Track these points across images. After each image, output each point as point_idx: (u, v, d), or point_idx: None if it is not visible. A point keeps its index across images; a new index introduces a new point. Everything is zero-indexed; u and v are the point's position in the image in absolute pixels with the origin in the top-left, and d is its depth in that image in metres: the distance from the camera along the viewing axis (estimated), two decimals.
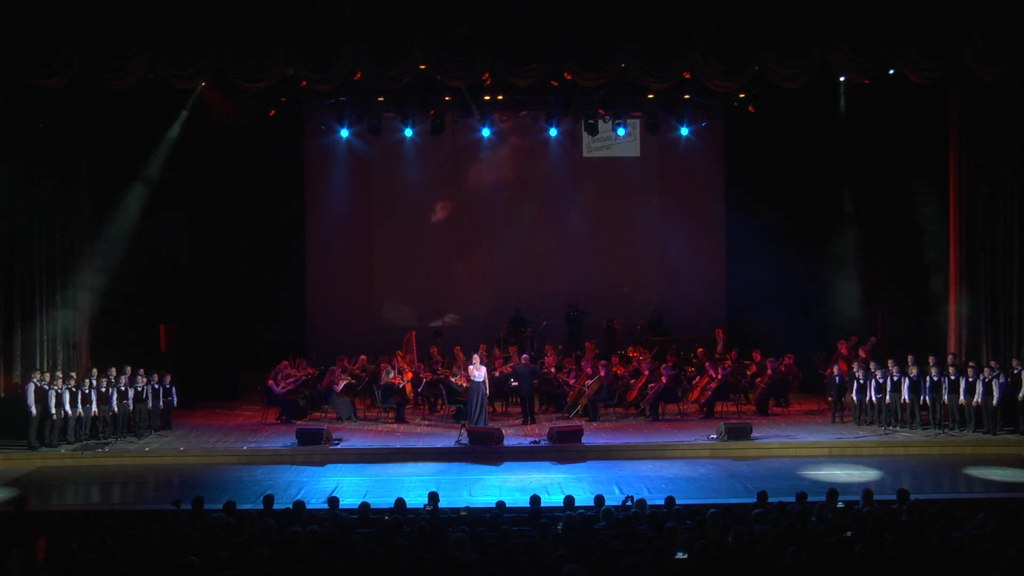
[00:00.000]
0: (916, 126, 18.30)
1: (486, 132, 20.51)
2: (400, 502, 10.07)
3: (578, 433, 15.51)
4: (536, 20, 15.12)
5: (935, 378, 16.14)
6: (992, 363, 16.09)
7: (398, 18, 15.00)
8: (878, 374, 16.54)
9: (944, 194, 17.41)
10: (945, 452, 15.24)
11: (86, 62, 14.88)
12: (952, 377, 16.04)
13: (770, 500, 9.98)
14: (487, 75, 16.44)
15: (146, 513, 10.94)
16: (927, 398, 16.22)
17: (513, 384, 18.04)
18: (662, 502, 10.09)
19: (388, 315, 22.06)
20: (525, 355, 18.07)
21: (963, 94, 16.70)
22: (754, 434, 15.61)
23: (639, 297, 22.33)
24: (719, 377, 17.61)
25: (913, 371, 16.29)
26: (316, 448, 15.23)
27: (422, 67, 15.83)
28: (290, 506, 10.08)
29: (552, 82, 17.69)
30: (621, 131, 20.54)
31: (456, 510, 10.54)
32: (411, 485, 12.91)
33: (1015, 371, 15.88)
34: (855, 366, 17.10)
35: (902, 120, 18.51)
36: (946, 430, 16.06)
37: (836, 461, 14.64)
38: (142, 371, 16.53)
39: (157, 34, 14.78)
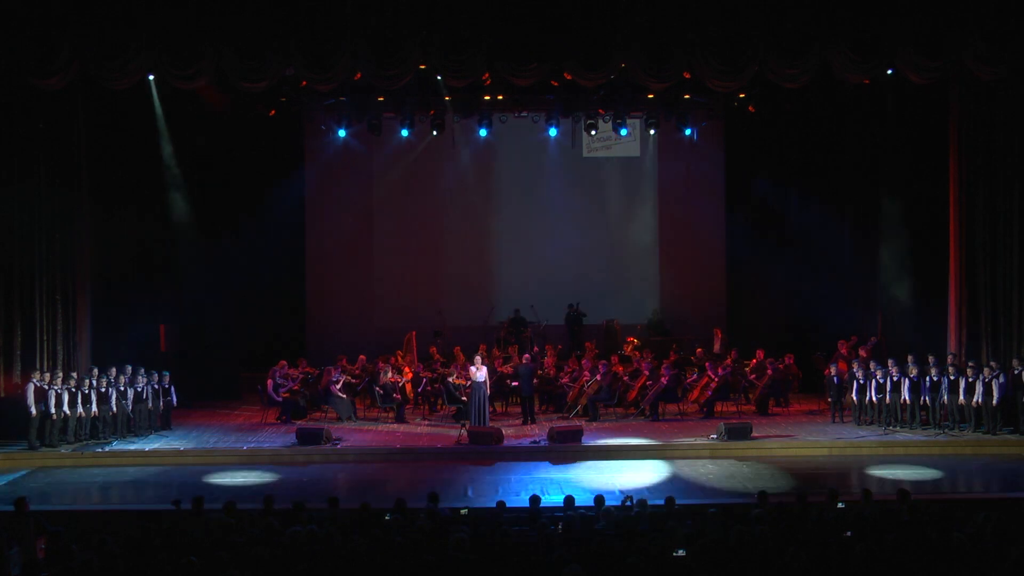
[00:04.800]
0: (916, 126, 18.30)
1: (485, 132, 20.51)
2: (400, 502, 10.07)
3: (578, 433, 15.51)
4: (536, 20, 15.11)
5: (935, 378, 16.14)
6: (992, 363, 16.08)
7: (398, 18, 14.99)
8: (878, 374, 16.54)
9: (944, 194, 17.40)
10: (945, 452, 15.24)
11: (86, 62, 14.88)
12: (952, 377, 16.04)
13: (770, 500, 9.98)
14: (487, 75, 16.42)
15: (146, 513, 10.93)
16: (927, 398, 16.22)
17: (513, 384, 18.06)
18: (662, 502, 10.09)
19: (388, 315, 22.05)
20: (526, 355, 18.08)
21: (963, 94, 16.68)
22: (754, 434, 15.62)
23: (639, 297, 22.32)
24: (719, 377, 17.61)
25: (913, 371, 16.28)
26: (316, 448, 15.24)
27: (422, 67, 15.83)
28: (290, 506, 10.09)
29: (552, 82, 17.68)
30: (626, 131, 20.52)
31: (456, 510, 10.54)
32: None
33: (1015, 371, 15.87)
34: (855, 366, 17.09)
35: (902, 120, 18.51)
36: (946, 430, 16.06)
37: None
38: (142, 371, 16.53)
39: (157, 34, 14.78)
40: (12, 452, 15.26)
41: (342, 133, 20.64)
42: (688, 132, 21.16)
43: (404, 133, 20.37)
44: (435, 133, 20.46)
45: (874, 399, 16.51)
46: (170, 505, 10.53)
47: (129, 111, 17.82)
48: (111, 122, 17.60)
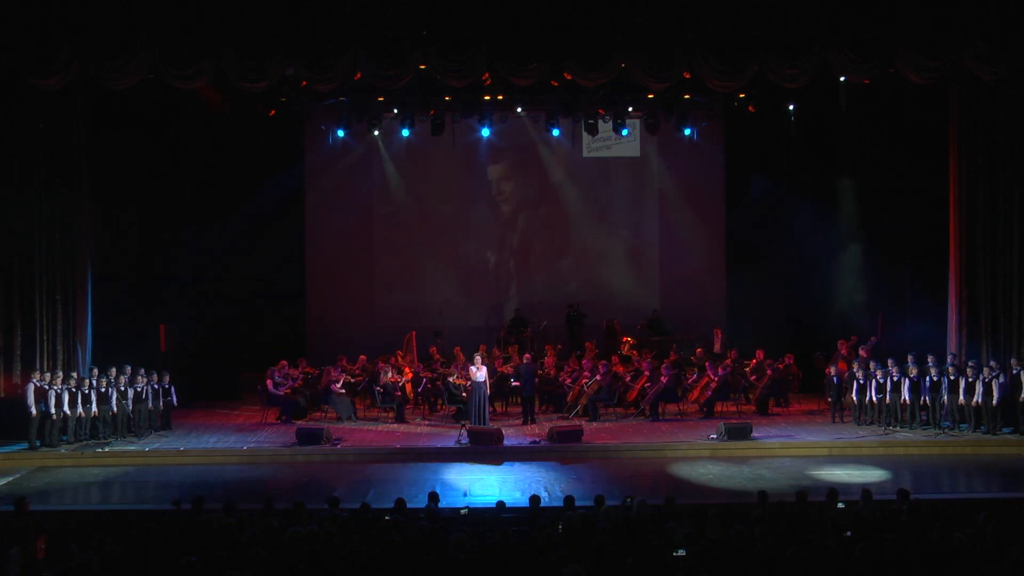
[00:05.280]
0: (916, 126, 18.30)
1: (486, 132, 20.50)
2: (400, 502, 10.07)
3: (578, 433, 15.52)
4: (536, 20, 15.12)
5: (935, 378, 16.14)
6: (992, 363, 16.08)
7: (398, 18, 15.00)
8: (878, 374, 16.54)
9: (944, 194, 17.41)
10: (945, 452, 15.25)
11: (86, 62, 14.89)
12: (952, 377, 16.04)
13: (770, 500, 9.98)
14: (487, 75, 16.43)
15: (146, 513, 10.93)
16: (927, 398, 16.21)
17: (514, 384, 18.06)
18: (662, 502, 10.09)
19: (388, 315, 22.05)
20: (527, 355, 18.07)
21: (963, 94, 16.69)
22: (754, 434, 15.62)
23: (639, 297, 22.33)
24: (719, 377, 17.60)
25: (913, 371, 16.28)
26: (316, 448, 15.24)
27: (422, 67, 15.83)
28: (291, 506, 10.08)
29: (552, 82, 17.68)
30: (627, 131, 20.51)
31: (456, 510, 10.53)
32: None
33: (1015, 371, 15.87)
34: (855, 366, 17.09)
35: (902, 120, 18.51)
36: (946, 430, 16.06)
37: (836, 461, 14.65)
38: (142, 371, 16.53)
39: (157, 34, 14.79)
40: (12, 452, 15.27)
41: (341, 133, 20.63)
42: (688, 132, 21.17)
43: (405, 133, 20.38)
44: (435, 133, 20.45)
45: (874, 399, 16.51)
46: (170, 505, 10.53)
47: (129, 111, 17.82)
48: (111, 122, 17.61)
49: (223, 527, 8.99)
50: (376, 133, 20.42)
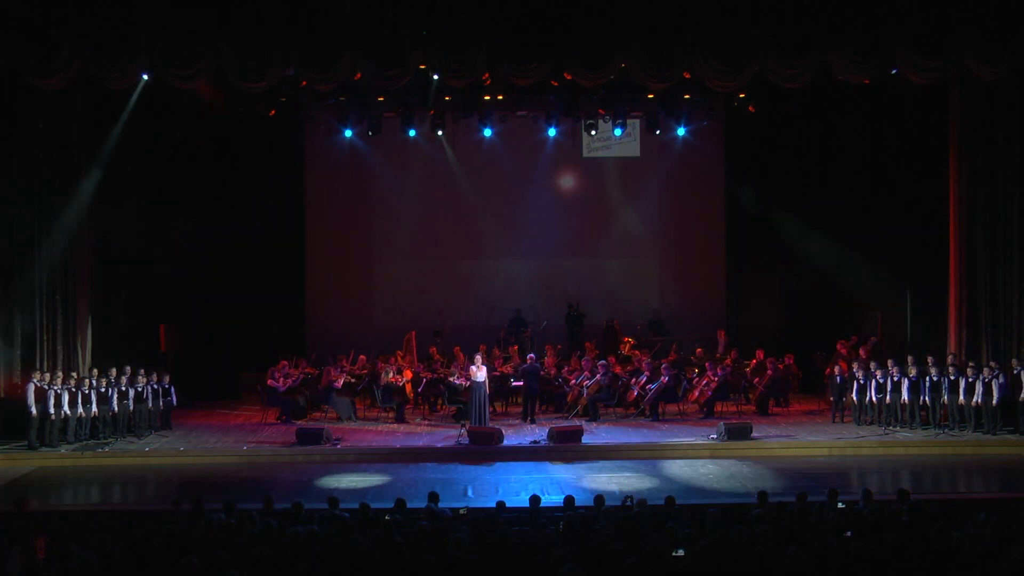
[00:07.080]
0: (916, 126, 18.30)
1: (488, 132, 20.50)
2: (400, 502, 10.07)
3: (578, 433, 15.52)
4: (536, 20, 15.13)
5: (935, 378, 16.14)
6: (992, 363, 16.08)
7: (398, 18, 15.01)
8: (878, 374, 16.54)
9: (944, 194, 17.41)
10: (945, 452, 15.25)
11: (86, 62, 14.89)
12: (952, 377, 16.04)
13: (770, 500, 9.98)
14: (487, 75, 16.44)
15: (146, 513, 10.93)
16: (927, 398, 16.21)
17: (514, 384, 18.06)
18: (662, 502, 10.09)
19: (388, 315, 22.05)
20: (531, 355, 18.08)
21: (963, 94, 16.70)
22: (754, 434, 15.62)
23: (639, 297, 22.32)
24: (719, 377, 17.60)
25: (913, 371, 16.28)
26: (316, 448, 15.24)
27: (422, 67, 15.84)
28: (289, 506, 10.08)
29: (552, 82, 17.69)
30: (620, 131, 20.53)
31: (456, 510, 10.53)
32: None
33: (1015, 371, 15.87)
34: (855, 366, 17.09)
35: (902, 120, 18.52)
36: (946, 430, 16.07)
37: None
38: (142, 371, 16.53)
39: (157, 34, 14.79)
40: (12, 452, 15.27)
41: (348, 133, 20.57)
42: (687, 132, 21.17)
43: (412, 133, 20.38)
44: (439, 133, 20.47)
45: (874, 399, 16.51)
46: (170, 505, 10.52)
47: (129, 111, 17.80)
48: (111, 121, 17.60)
49: (223, 527, 8.98)
50: (376, 133, 20.38)
